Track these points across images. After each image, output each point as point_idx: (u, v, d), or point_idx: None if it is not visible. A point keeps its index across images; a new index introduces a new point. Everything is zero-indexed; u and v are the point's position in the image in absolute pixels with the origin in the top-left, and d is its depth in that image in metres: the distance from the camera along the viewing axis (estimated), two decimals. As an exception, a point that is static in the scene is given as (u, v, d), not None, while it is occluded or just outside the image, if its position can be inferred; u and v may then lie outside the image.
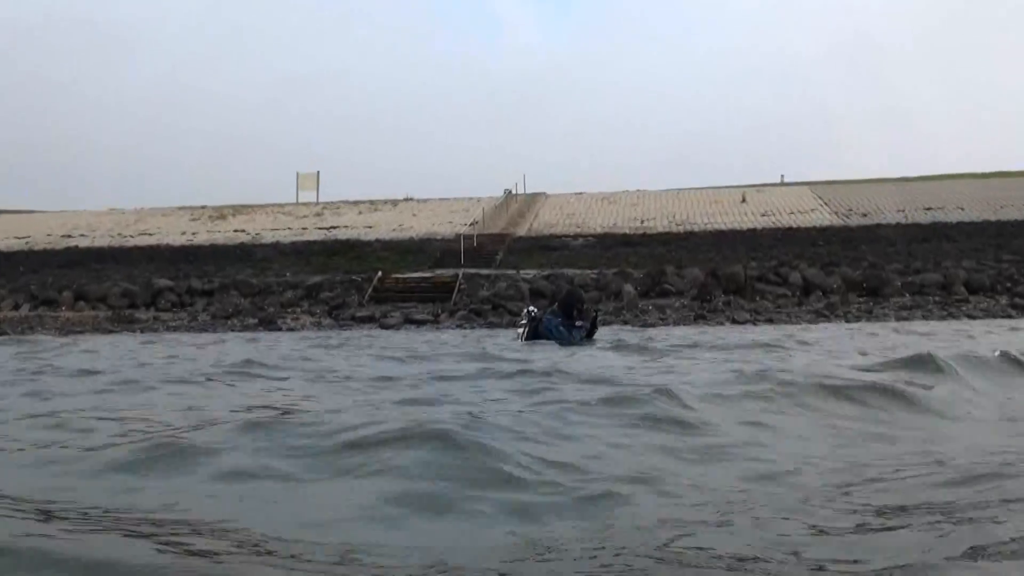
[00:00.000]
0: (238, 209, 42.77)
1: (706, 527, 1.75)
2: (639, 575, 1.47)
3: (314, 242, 34.49)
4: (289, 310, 22.73)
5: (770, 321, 18.16)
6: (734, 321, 18.22)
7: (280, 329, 19.43)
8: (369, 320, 20.83)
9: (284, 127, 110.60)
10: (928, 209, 34.41)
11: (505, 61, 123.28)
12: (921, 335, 10.46)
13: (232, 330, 19.61)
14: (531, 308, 9.86)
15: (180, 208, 43.60)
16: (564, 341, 9.07)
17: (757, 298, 21.85)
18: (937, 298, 21.31)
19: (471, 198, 42.55)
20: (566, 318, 9.43)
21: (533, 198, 40.95)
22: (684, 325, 17.78)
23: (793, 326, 16.07)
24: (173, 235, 37.63)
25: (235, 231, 38.00)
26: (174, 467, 2.18)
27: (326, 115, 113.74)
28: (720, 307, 20.42)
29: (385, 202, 42.96)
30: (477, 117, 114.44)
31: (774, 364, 4.97)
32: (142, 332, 18.74)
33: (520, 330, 9.71)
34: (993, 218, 32.39)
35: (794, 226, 32.86)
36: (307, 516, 1.82)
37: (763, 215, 35.14)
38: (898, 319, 18.05)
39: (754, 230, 32.52)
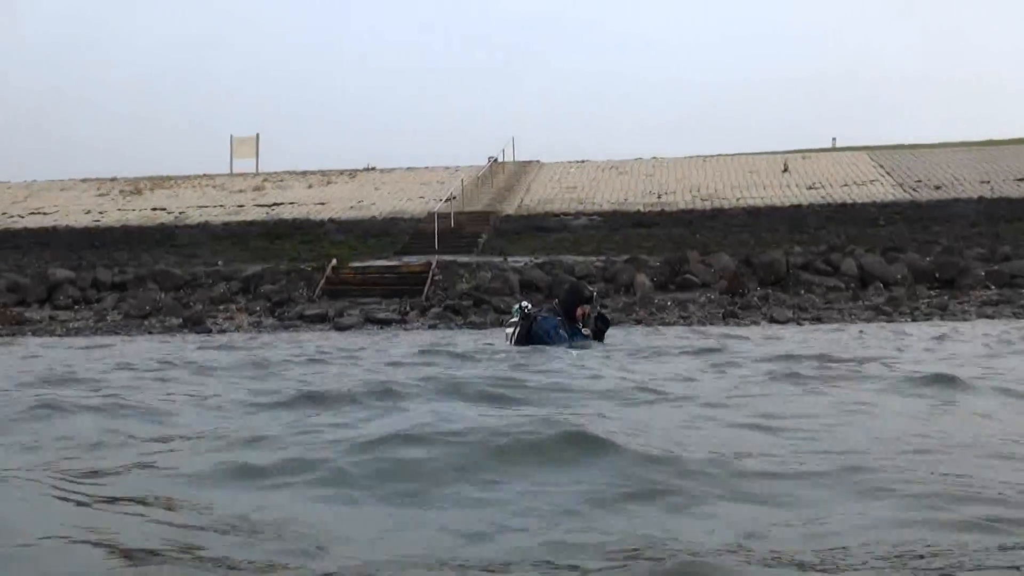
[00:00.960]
0: (157, 182, 42.61)
1: None
2: None
3: (252, 223, 34.38)
4: (222, 307, 22.64)
5: (818, 320, 18.21)
6: (772, 320, 18.26)
7: (210, 331, 19.38)
8: (321, 319, 20.81)
9: (216, 80, 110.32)
10: (1020, 180, 34.46)
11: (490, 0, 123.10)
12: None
13: (150, 332, 19.53)
14: (524, 303, 9.79)
15: (84, 181, 43.42)
16: (565, 341, 9.12)
17: (802, 291, 21.89)
18: (1028, 290, 21.34)
19: (447, 168, 42.48)
20: (568, 320, 9.41)
21: (524, 167, 40.93)
22: (710, 324, 17.79)
23: (848, 326, 16.09)
24: (75, 214, 37.46)
25: (153, 209, 37.86)
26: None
27: (267, 65, 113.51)
28: (755, 302, 20.45)
29: (341, 173, 42.88)
30: (455, 68, 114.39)
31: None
32: (35, 335, 18.63)
33: (510, 331, 9.67)
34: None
35: (848, 201, 32.94)
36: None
37: (810, 187, 35.20)
38: (980, 316, 18.08)
39: (798, 206, 32.58)
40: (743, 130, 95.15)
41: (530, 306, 9.74)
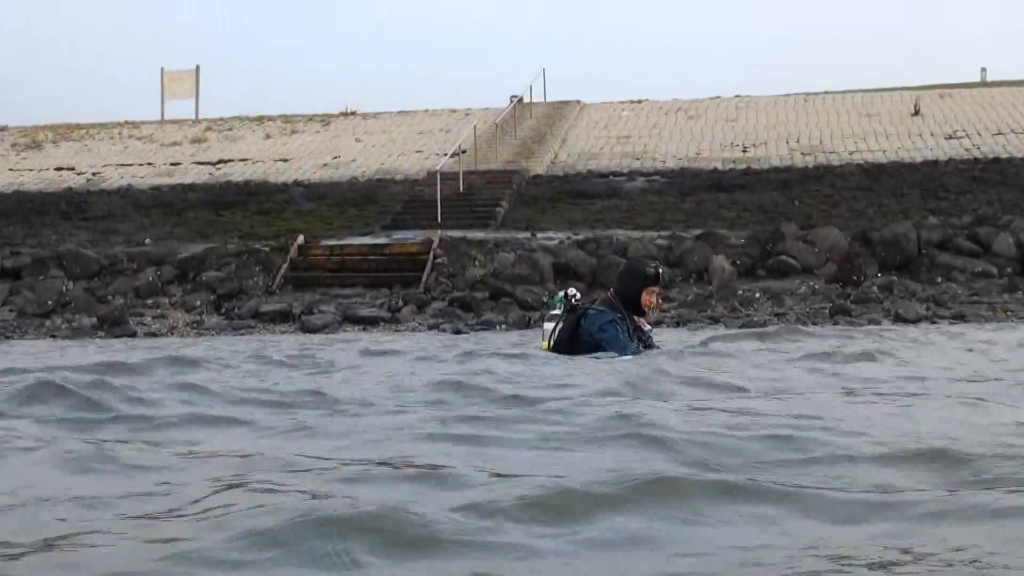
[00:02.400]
0: (62, 132, 42.86)
1: None
2: None
3: (191, 187, 34.54)
4: (150, 302, 22.81)
5: (961, 317, 18.18)
6: (898, 317, 18.24)
7: (134, 334, 19.56)
8: (283, 318, 20.95)
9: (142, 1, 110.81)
10: None
11: None
12: None
13: (52, 335, 19.71)
14: (571, 291, 9.73)
15: (-36, 130, 43.76)
16: (622, 351, 8.98)
17: (938, 278, 21.82)
18: None
19: (455, 111, 42.47)
20: (632, 313, 9.32)
21: (560, 110, 40.90)
22: (813, 323, 17.78)
23: (1004, 327, 16.04)
24: (-46, 176, 37.75)
25: (57, 169, 38.08)
26: None
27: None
28: (875, 293, 20.42)
29: (310, 119, 42.99)
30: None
31: None
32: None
33: (549, 327, 9.64)
34: None
35: (1003, 156, 32.75)
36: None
37: (949, 137, 35.01)
38: None
39: (934, 162, 32.41)
40: (859, 59, 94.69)
41: (579, 296, 9.68)
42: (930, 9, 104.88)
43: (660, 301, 9.61)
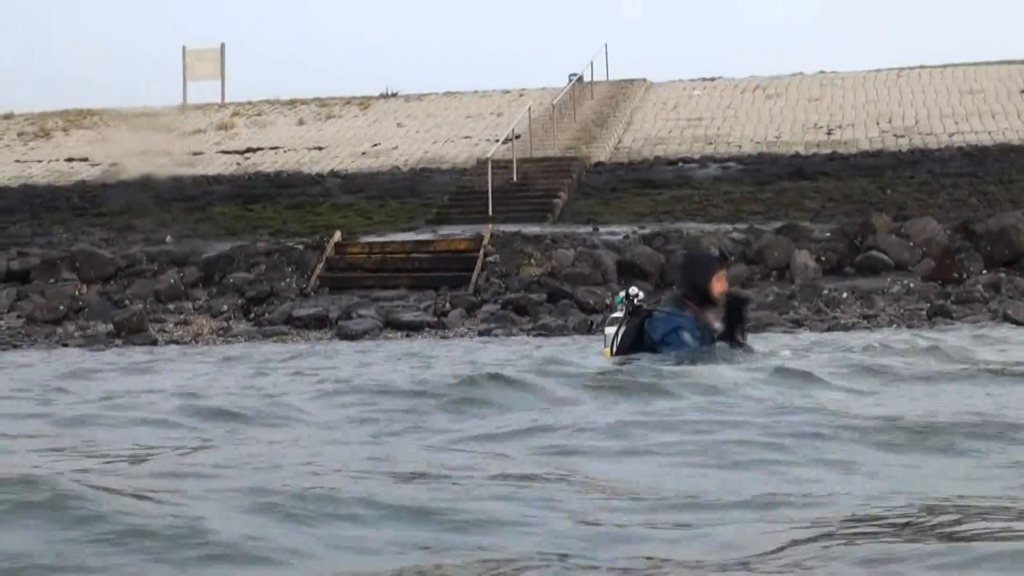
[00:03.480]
0: (74, 119, 43.28)
1: None
2: None
3: (217, 178, 34.77)
4: (172, 307, 22.94)
5: (1077, 320, 18.01)
6: (1007, 319, 18.09)
7: (155, 342, 19.68)
8: (319, 323, 21.02)
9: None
10: None
11: None
12: None
13: (64, 344, 19.87)
14: (633, 290, 9.72)
15: (-33, 118, 44.23)
16: (690, 353, 8.97)
17: (1053, 275, 21.64)
18: None
19: (507, 92, 42.53)
20: (703, 306, 9.30)
21: (624, 90, 40.86)
22: (909, 327, 17.65)
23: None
24: (-43, 169, 38.17)
25: (69, 160, 38.46)
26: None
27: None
28: (979, 292, 20.26)
29: (347, 102, 43.17)
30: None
31: None
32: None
33: (611, 330, 9.63)
34: None
35: (1123, 136, 32.41)
36: None
37: (1063, 115, 34.71)
38: None
39: (1046, 145, 32.13)
40: (959, 29, 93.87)
41: (642, 295, 9.67)
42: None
43: (733, 301, 9.56)
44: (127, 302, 23.18)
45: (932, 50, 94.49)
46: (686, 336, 9.04)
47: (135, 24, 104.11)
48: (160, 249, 26.50)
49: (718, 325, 9.34)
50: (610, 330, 9.61)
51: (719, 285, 9.28)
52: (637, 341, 9.27)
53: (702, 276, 9.30)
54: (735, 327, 9.34)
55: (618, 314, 9.58)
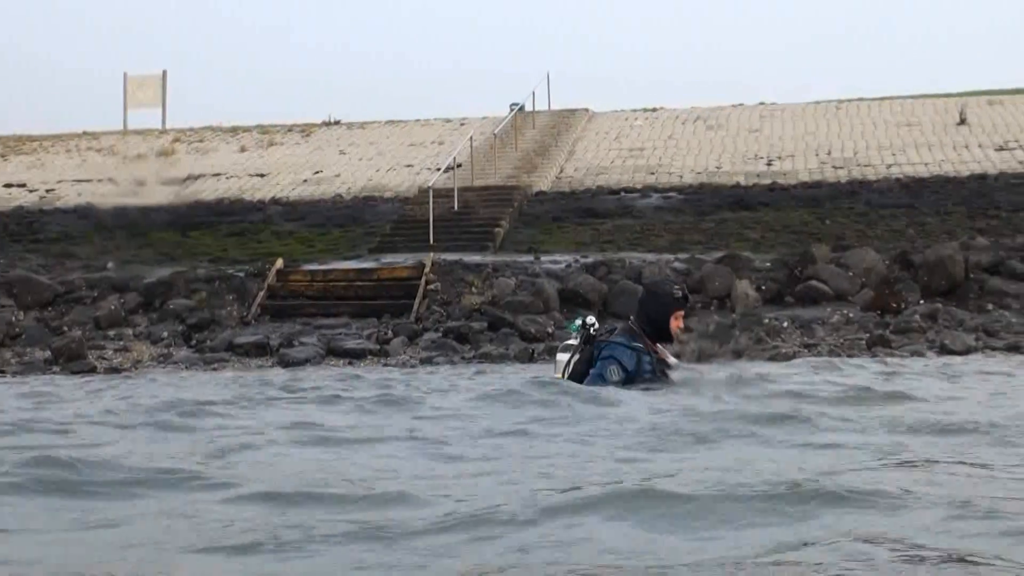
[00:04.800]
0: (12, 144, 42.97)
1: None
2: None
3: (157, 206, 34.56)
4: (112, 333, 22.78)
5: (1015, 349, 18.15)
6: (944, 349, 18.22)
7: (94, 369, 19.52)
8: (260, 350, 20.92)
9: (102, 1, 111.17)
10: None
11: None
12: None
13: (1, 372, 19.67)
14: (589, 318, 9.72)
15: (-95, 143, 43.81)
16: (642, 382, 9.01)
17: (989, 305, 21.80)
18: None
19: (449, 121, 42.57)
20: (653, 342, 9.34)
21: (566, 119, 40.99)
22: (849, 356, 17.74)
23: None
24: None
25: (7, 186, 38.14)
26: None
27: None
28: (917, 323, 20.40)
29: (289, 129, 43.10)
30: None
31: None
32: None
33: (563, 357, 9.62)
34: None
35: (1058, 169, 32.78)
36: None
37: (1000, 148, 35.05)
38: None
39: (983, 176, 32.44)
40: (897, 62, 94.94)
41: (596, 323, 9.66)
42: (976, 5, 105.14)
43: (683, 326, 9.61)
44: (65, 328, 23.00)
45: (870, 83, 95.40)
46: (613, 371, 9.07)
47: (75, 50, 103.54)
48: (100, 276, 26.31)
49: (672, 360, 9.39)
50: (562, 356, 9.61)
51: (676, 323, 9.34)
52: (586, 368, 9.30)
53: (662, 313, 9.34)
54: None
55: (572, 341, 9.58)
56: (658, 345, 9.34)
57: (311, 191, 35.48)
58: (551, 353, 18.05)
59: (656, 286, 9.97)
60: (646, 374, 9.14)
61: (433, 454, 5.81)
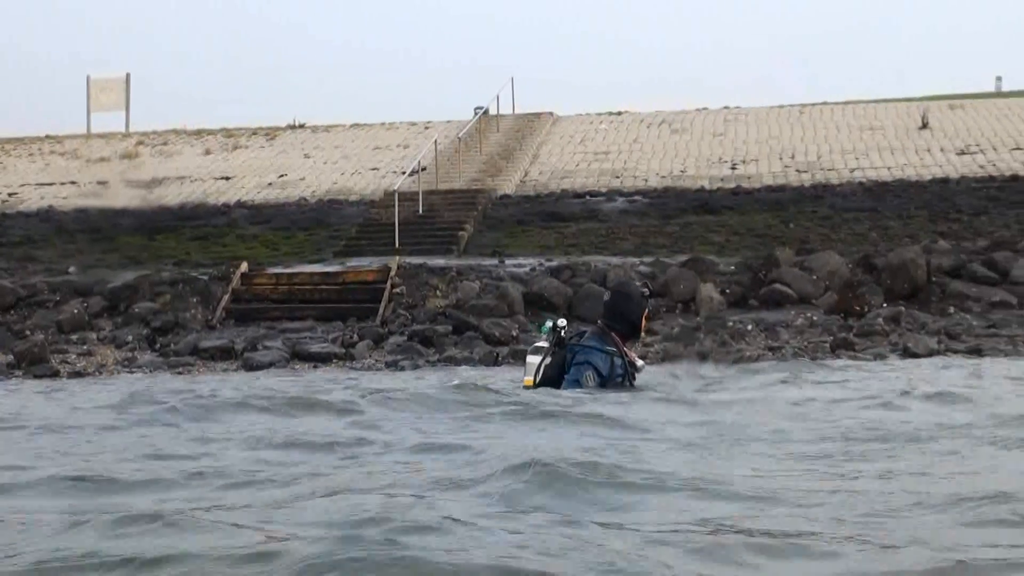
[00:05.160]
0: (-24, 147, 42.66)
1: None
2: None
3: (122, 210, 34.42)
4: (75, 337, 22.66)
5: (977, 352, 18.23)
6: (907, 352, 18.30)
7: (57, 374, 19.43)
8: (225, 354, 20.87)
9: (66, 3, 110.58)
10: None
11: None
12: None
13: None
14: (560, 321, 9.73)
15: None
16: (613, 387, 9.08)
17: (950, 308, 21.91)
18: None
19: (414, 124, 42.55)
20: (626, 343, 9.40)
21: (530, 123, 41.01)
22: (812, 358, 17.80)
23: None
24: None
25: (-29, 188, 37.91)
26: None
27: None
28: (880, 326, 20.49)
29: (253, 132, 43.00)
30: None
31: None
32: None
33: (534, 360, 9.61)
34: None
35: (1021, 173, 32.98)
36: None
37: (961, 152, 35.26)
38: None
39: (944, 180, 32.61)
40: (860, 67, 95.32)
41: (567, 326, 9.68)
42: (938, 10, 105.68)
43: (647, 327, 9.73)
44: (28, 332, 22.87)
45: (833, 87, 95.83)
46: (589, 376, 9.11)
47: (37, 52, 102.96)
48: (63, 279, 26.17)
49: (640, 362, 9.45)
50: (533, 359, 9.61)
51: (646, 323, 9.47)
52: (562, 373, 9.32)
53: (636, 311, 9.42)
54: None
55: (542, 343, 9.59)
56: (626, 348, 9.41)
57: (276, 194, 35.40)
58: (516, 357, 18.10)
59: (625, 286, 10.03)
60: (617, 377, 9.21)
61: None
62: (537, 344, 9.76)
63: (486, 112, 39.74)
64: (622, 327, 9.39)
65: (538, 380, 9.35)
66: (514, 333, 21.21)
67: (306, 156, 39.46)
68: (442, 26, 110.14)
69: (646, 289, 9.70)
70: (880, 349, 18.72)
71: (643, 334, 9.52)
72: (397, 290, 24.04)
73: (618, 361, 9.22)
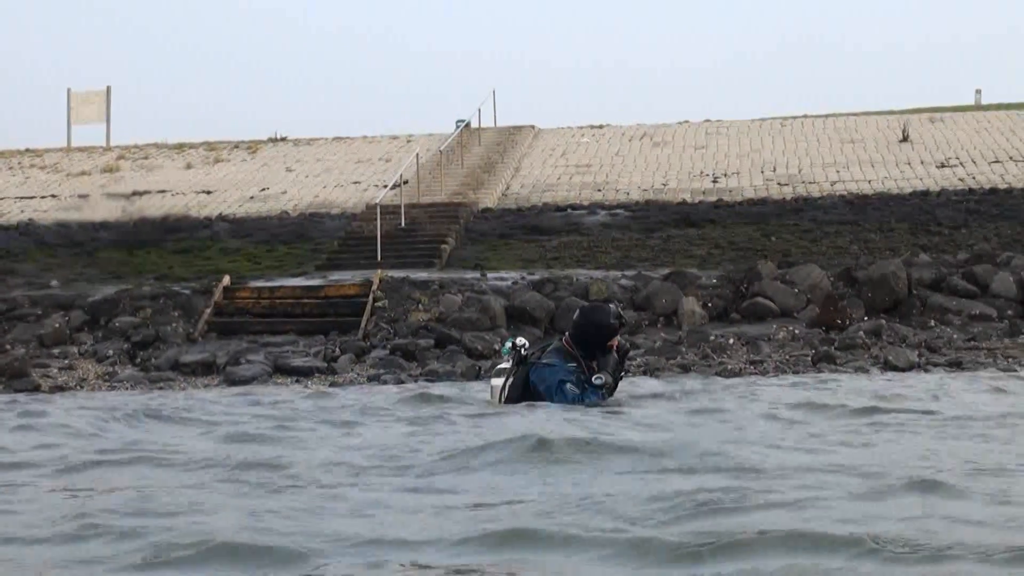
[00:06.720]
0: (-44, 160, 42.56)
1: None
2: None
3: (103, 223, 34.37)
4: (57, 351, 22.60)
5: (957, 365, 18.29)
6: (888, 365, 18.35)
7: (39, 388, 19.37)
8: (207, 368, 20.82)
9: (47, 6, 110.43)
10: None
11: None
12: None
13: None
14: (519, 340, 9.81)
15: None
16: (572, 403, 9.11)
17: (931, 321, 21.98)
18: None
19: (396, 137, 42.61)
20: (584, 360, 9.45)
21: (512, 136, 41.07)
22: (793, 372, 17.85)
23: (1004, 376, 16.15)
24: None
25: (-49, 202, 37.82)
26: None
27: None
28: (861, 339, 20.54)
29: (235, 146, 43.00)
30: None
31: None
32: None
33: (498, 382, 9.69)
34: None
35: (1001, 186, 33.12)
36: None
37: (942, 165, 35.41)
38: None
39: (925, 193, 32.75)
40: (840, 80, 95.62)
41: (527, 344, 9.74)
42: (919, 25, 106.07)
43: (621, 347, 9.73)
44: (8, 347, 22.81)
45: (814, 100, 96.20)
46: (569, 388, 9.16)
47: (17, 65, 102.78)
48: (44, 293, 26.11)
49: (602, 375, 9.46)
50: (497, 381, 9.68)
51: (612, 344, 9.48)
52: (524, 391, 9.36)
53: (598, 340, 9.46)
54: (616, 373, 9.53)
55: (505, 364, 9.65)
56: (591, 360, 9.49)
57: (258, 208, 35.37)
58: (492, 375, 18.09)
59: (593, 313, 9.92)
60: (578, 392, 9.28)
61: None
62: (499, 366, 9.82)
63: (468, 125, 39.79)
64: (583, 350, 9.47)
65: (502, 402, 9.42)
66: (496, 347, 21.17)
67: (288, 170, 39.46)
68: (423, 39, 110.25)
69: (615, 320, 9.65)
70: (861, 363, 18.77)
71: (596, 372, 9.48)
72: (379, 304, 24.02)
73: (573, 380, 9.30)
